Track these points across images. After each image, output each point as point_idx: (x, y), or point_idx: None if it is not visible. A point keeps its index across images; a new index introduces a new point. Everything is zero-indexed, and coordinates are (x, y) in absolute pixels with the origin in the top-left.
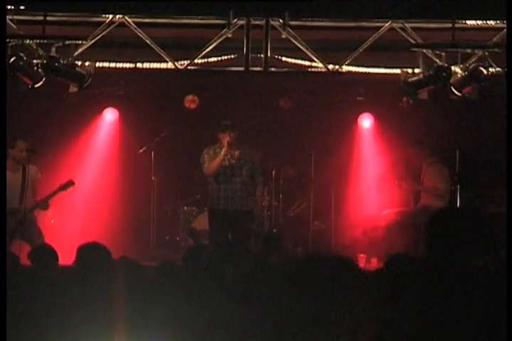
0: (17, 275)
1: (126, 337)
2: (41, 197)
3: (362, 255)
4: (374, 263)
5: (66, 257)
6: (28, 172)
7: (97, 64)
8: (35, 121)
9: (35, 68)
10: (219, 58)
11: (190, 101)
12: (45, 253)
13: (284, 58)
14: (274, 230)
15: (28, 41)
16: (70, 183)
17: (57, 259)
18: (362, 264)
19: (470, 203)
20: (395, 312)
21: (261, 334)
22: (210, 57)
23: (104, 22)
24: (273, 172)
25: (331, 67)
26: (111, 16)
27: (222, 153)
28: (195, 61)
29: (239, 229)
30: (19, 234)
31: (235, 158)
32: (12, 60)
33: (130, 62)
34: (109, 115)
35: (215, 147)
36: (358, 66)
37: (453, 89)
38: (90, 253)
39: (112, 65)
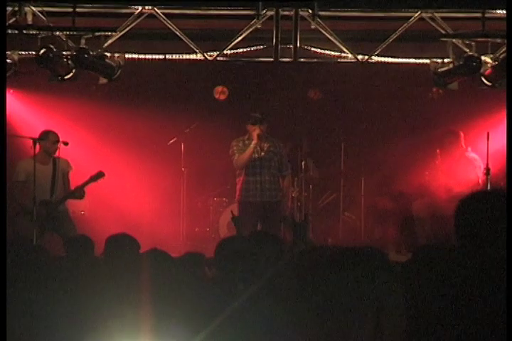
0: (47, 267)
1: (154, 329)
2: (72, 188)
3: (392, 246)
4: (404, 254)
5: (97, 249)
6: (58, 164)
7: (127, 55)
8: (66, 113)
9: (65, 60)
10: (248, 49)
11: (220, 93)
12: (81, 244)
13: (313, 49)
14: (301, 220)
15: (57, 33)
16: (101, 174)
17: (93, 249)
18: (392, 255)
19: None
20: (422, 304)
21: (292, 323)
22: (240, 48)
23: (133, 13)
24: (302, 163)
25: (360, 57)
26: (140, 8)
27: (252, 145)
28: (225, 52)
29: (268, 220)
30: (50, 226)
31: (264, 150)
32: (42, 51)
33: (159, 53)
34: (139, 106)
35: (244, 138)
36: (388, 56)
37: (483, 79)
38: (118, 244)
39: (142, 56)
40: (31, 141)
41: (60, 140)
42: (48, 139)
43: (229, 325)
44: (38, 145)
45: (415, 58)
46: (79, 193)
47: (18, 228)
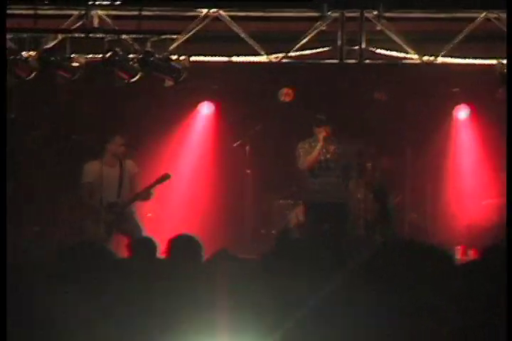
0: (114, 269)
1: (229, 329)
2: (139, 190)
3: (459, 246)
4: (472, 255)
5: (163, 250)
6: (125, 166)
7: (192, 58)
8: (132, 115)
9: (131, 63)
10: (313, 51)
11: (285, 95)
12: (145, 245)
13: (378, 50)
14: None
15: (123, 36)
16: (167, 176)
17: (156, 251)
18: (459, 256)
19: None
20: (487, 303)
21: (367, 324)
22: (305, 50)
23: (198, 16)
24: (368, 164)
25: (426, 58)
26: (205, 10)
27: (318, 148)
28: (290, 54)
29: (334, 221)
30: (118, 228)
31: (330, 153)
32: (108, 55)
33: (225, 55)
34: (205, 109)
35: (311, 140)
36: (454, 57)
37: None
38: (181, 245)
39: (207, 58)
40: (99, 143)
41: (127, 143)
42: (114, 142)
43: (306, 325)
44: (105, 148)
45: (481, 59)
46: (146, 195)
47: (86, 230)
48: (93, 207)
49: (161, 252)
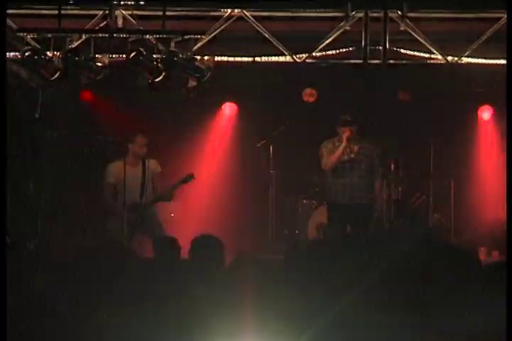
0: (136, 269)
1: (254, 329)
2: (161, 190)
3: (482, 248)
4: (495, 256)
5: (185, 251)
6: (147, 166)
7: (216, 58)
8: (155, 116)
9: (155, 63)
10: (337, 51)
11: (309, 95)
12: (168, 245)
13: (402, 50)
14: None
15: (147, 36)
16: (190, 177)
17: (179, 251)
18: (482, 257)
19: None
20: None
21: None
22: (328, 50)
23: (222, 16)
24: (392, 165)
25: (450, 58)
26: (229, 10)
27: (341, 148)
28: (313, 54)
29: (357, 222)
30: (140, 229)
31: (353, 153)
32: (132, 55)
33: (248, 56)
34: (228, 109)
35: (335, 140)
36: (478, 57)
37: None
38: (202, 246)
39: (231, 58)
40: (121, 143)
41: (149, 142)
42: (136, 142)
43: (327, 328)
44: (127, 148)
45: (505, 59)
46: (168, 196)
47: (108, 230)
48: (116, 207)
49: (183, 252)
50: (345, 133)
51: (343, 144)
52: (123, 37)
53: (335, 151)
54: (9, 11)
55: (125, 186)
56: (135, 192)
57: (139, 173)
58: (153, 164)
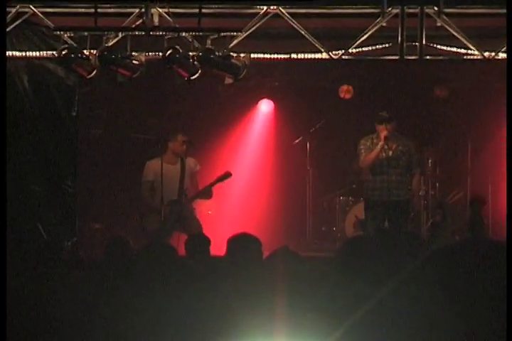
0: (173, 267)
1: (288, 327)
2: (200, 188)
3: None
4: None
5: (222, 249)
6: (186, 164)
7: (252, 55)
8: (192, 113)
9: (191, 60)
10: (373, 47)
11: (345, 91)
12: (199, 242)
13: (439, 46)
14: (437, 217)
15: (183, 34)
16: (228, 175)
17: (209, 248)
18: None
19: None
20: None
21: (428, 324)
22: (365, 46)
23: (258, 13)
24: (429, 161)
25: (487, 54)
26: (265, 7)
27: (379, 146)
28: (350, 51)
29: (395, 219)
30: (178, 226)
31: (391, 150)
32: (168, 52)
33: (285, 52)
34: (265, 106)
35: (373, 137)
36: None
37: None
38: (240, 244)
39: (267, 56)
40: (160, 141)
41: (188, 140)
42: (176, 140)
43: (362, 325)
44: (166, 146)
45: None
46: (207, 193)
47: (147, 227)
48: (154, 204)
49: (219, 250)
50: (383, 131)
51: (381, 142)
52: (159, 35)
53: (373, 149)
54: (46, 10)
55: (162, 184)
56: (173, 190)
57: (178, 171)
58: (191, 162)
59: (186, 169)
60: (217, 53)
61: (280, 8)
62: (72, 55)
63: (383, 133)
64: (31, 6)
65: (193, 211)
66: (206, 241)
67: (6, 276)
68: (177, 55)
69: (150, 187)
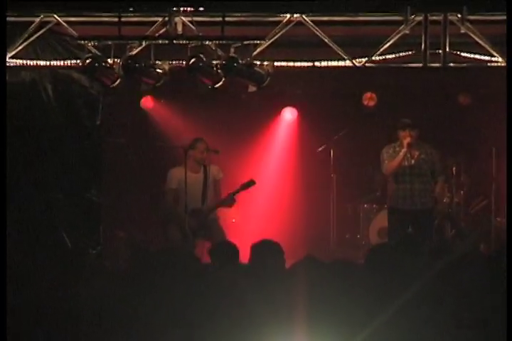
0: (198, 274)
1: (308, 335)
2: (223, 196)
3: None
4: None
5: (246, 255)
6: (209, 172)
7: (276, 63)
8: (216, 121)
9: (215, 69)
10: (397, 55)
11: (369, 99)
12: (225, 250)
13: (462, 53)
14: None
15: (207, 42)
16: (252, 182)
17: (237, 256)
18: None
19: None
20: None
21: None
22: (388, 54)
23: (281, 21)
24: (453, 169)
25: None
26: (288, 15)
27: (402, 154)
28: (373, 58)
29: (419, 227)
30: (201, 234)
31: (414, 158)
32: (192, 61)
33: (308, 60)
34: (288, 114)
35: (396, 145)
36: None
37: None
38: (263, 251)
39: (290, 64)
40: (182, 149)
41: (211, 148)
42: (197, 148)
43: (383, 331)
44: (188, 154)
45: None
46: (230, 201)
47: (170, 236)
48: (177, 213)
49: (243, 258)
50: (406, 139)
51: (404, 150)
52: (183, 43)
53: (395, 157)
54: (70, 19)
55: (186, 192)
56: (196, 198)
57: (201, 179)
58: (214, 170)
59: (209, 177)
60: (240, 61)
61: (303, 16)
62: (96, 64)
63: (406, 140)
64: (55, 16)
65: (216, 219)
66: (234, 250)
67: (5, 276)
68: (200, 64)
69: (174, 195)
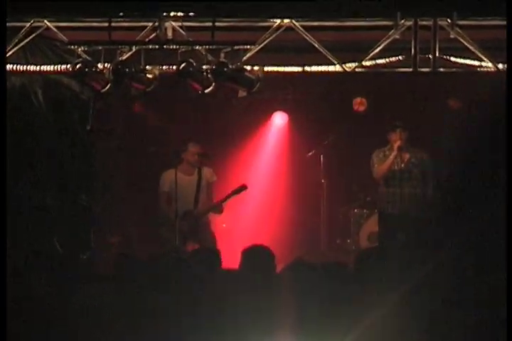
0: (187, 279)
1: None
2: (216, 200)
3: None
4: None
5: (235, 261)
6: (202, 174)
7: (266, 68)
8: (206, 126)
9: (205, 74)
10: (387, 60)
11: (359, 104)
12: (205, 255)
13: (452, 58)
14: None
15: (197, 47)
16: (243, 188)
17: (219, 262)
18: None
19: None
20: None
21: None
22: (378, 58)
23: (271, 26)
24: (445, 173)
25: (500, 66)
26: (278, 21)
27: (392, 156)
28: (363, 63)
29: (408, 232)
30: (192, 237)
31: (404, 162)
32: (182, 66)
33: (298, 65)
34: (278, 119)
35: (385, 149)
36: None
37: None
38: (253, 256)
39: (280, 69)
40: (173, 153)
41: (201, 152)
42: (189, 150)
43: (370, 335)
44: (181, 156)
45: None
46: (219, 207)
47: (162, 239)
48: (169, 216)
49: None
50: (396, 141)
51: (394, 152)
52: (173, 48)
53: (385, 160)
54: (60, 24)
55: (177, 195)
56: (189, 201)
57: (194, 182)
58: (208, 173)
59: (203, 180)
60: (230, 66)
61: (293, 21)
62: (86, 69)
63: (396, 143)
64: (45, 21)
65: (207, 224)
66: (214, 255)
67: (5, 276)
68: (190, 69)
69: (166, 198)
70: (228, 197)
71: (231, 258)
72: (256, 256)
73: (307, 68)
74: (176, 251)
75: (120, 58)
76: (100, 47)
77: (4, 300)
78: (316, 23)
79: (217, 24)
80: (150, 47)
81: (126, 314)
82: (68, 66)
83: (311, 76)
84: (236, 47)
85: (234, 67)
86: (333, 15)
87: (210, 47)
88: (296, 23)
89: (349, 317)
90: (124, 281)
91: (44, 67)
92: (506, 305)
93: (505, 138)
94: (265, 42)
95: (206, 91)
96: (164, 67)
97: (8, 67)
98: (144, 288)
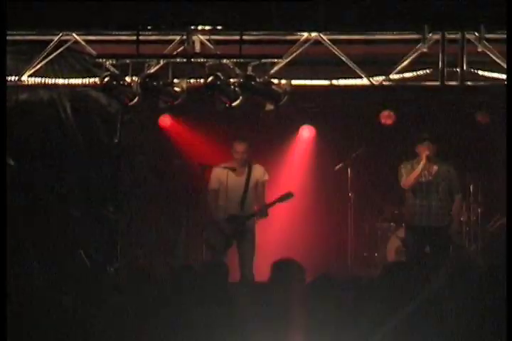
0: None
1: None
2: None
3: None
4: None
5: (265, 273)
6: (253, 173)
7: (293, 82)
8: (232, 139)
9: (232, 87)
10: (414, 73)
11: (386, 117)
12: (216, 269)
13: (480, 72)
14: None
15: (224, 61)
16: (290, 195)
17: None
18: None
19: None
20: None
21: None
22: (405, 72)
23: (299, 40)
24: (471, 187)
25: None
26: (306, 34)
27: (420, 166)
28: (391, 76)
29: (435, 245)
30: (235, 242)
31: (432, 175)
32: (210, 79)
33: (325, 79)
34: (306, 132)
35: (413, 162)
36: None
37: None
38: (283, 269)
39: (308, 82)
40: (199, 167)
41: (248, 149)
42: (234, 149)
43: None
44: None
45: None
46: (264, 213)
47: (207, 240)
48: (216, 216)
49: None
50: (424, 152)
51: (423, 162)
52: (200, 61)
53: (413, 171)
54: (88, 38)
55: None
56: (235, 202)
57: (242, 182)
58: (259, 171)
59: (251, 180)
60: (258, 80)
61: (321, 35)
62: (114, 82)
63: (425, 154)
64: (74, 34)
65: (253, 229)
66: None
67: (5, 276)
68: (218, 82)
69: (214, 196)
70: (273, 203)
71: (261, 270)
72: (285, 268)
73: (334, 81)
74: (218, 256)
75: (148, 71)
76: (128, 61)
77: (4, 300)
78: (343, 37)
79: (244, 37)
80: (178, 60)
81: (149, 327)
82: (96, 79)
83: (339, 89)
84: (263, 61)
85: (261, 80)
86: (360, 28)
87: (238, 60)
88: (324, 37)
89: (373, 330)
90: (144, 294)
91: (72, 81)
92: (506, 305)
93: (506, 138)
94: (293, 56)
95: (233, 104)
96: (192, 80)
97: (37, 80)
98: (173, 303)
